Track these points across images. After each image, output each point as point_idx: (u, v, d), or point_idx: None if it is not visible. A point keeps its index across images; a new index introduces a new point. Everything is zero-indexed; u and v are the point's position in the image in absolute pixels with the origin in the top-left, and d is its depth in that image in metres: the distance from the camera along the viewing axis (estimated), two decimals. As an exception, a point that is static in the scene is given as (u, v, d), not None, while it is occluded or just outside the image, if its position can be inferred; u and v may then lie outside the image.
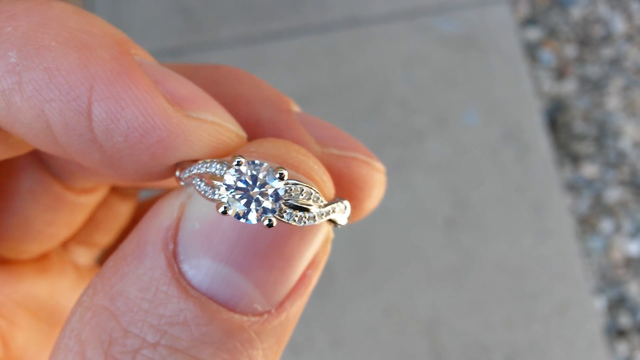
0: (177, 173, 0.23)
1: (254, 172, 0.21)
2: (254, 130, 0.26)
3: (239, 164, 0.21)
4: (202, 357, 0.21)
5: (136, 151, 0.22)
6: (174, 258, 0.22)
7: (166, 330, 0.21)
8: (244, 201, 0.21)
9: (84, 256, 0.37)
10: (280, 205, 0.21)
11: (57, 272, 0.34)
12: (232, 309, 0.22)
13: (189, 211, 0.23)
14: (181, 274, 0.22)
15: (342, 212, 0.24)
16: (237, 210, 0.21)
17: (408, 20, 1.31)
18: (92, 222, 0.36)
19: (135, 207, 0.38)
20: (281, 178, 0.21)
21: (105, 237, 0.37)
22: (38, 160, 0.30)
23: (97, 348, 0.21)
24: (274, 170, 0.21)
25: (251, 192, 0.21)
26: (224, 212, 0.21)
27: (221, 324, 0.22)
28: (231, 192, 0.21)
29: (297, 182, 0.22)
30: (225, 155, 0.24)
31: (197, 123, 0.22)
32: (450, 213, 1.17)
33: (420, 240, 1.16)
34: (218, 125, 0.23)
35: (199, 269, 0.22)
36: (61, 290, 0.34)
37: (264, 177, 0.21)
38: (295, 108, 0.28)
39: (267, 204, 0.21)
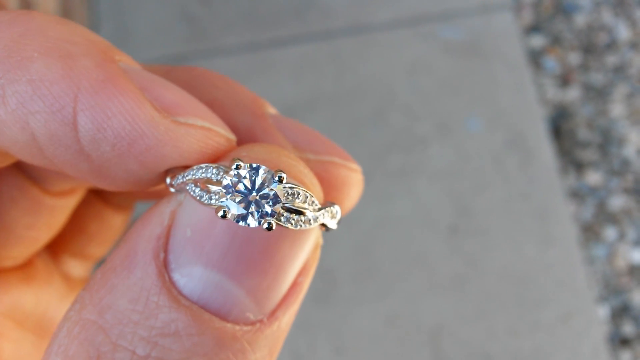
0: (168, 180, 0.23)
1: (253, 176, 0.21)
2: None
3: (237, 167, 0.21)
4: None
5: (124, 160, 0.21)
6: (164, 267, 0.22)
7: (157, 341, 0.21)
8: (243, 205, 0.21)
9: (78, 268, 0.36)
10: (278, 208, 0.21)
11: (43, 280, 0.33)
12: (224, 317, 0.22)
13: (180, 218, 0.22)
14: (172, 283, 0.22)
15: (333, 217, 0.24)
16: (237, 213, 0.21)
17: (412, 28, 1.31)
18: (85, 234, 0.36)
19: (129, 219, 0.38)
20: (280, 181, 0.21)
21: (99, 250, 0.37)
22: (15, 165, 0.30)
23: None
24: (273, 174, 0.21)
25: (250, 196, 0.21)
26: (224, 216, 0.21)
27: (213, 334, 0.21)
28: (230, 196, 0.21)
29: (294, 185, 0.22)
30: (215, 160, 0.23)
31: (185, 129, 0.22)
32: (454, 220, 1.17)
33: (424, 247, 1.16)
34: (207, 129, 0.23)
35: (191, 277, 0.22)
36: (48, 300, 0.33)
37: (263, 180, 0.21)
38: (271, 110, 0.28)
39: (267, 207, 0.21)
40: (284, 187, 0.22)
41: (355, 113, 1.24)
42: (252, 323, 0.22)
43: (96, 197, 0.36)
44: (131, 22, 1.32)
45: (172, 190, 0.23)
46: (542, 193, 1.19)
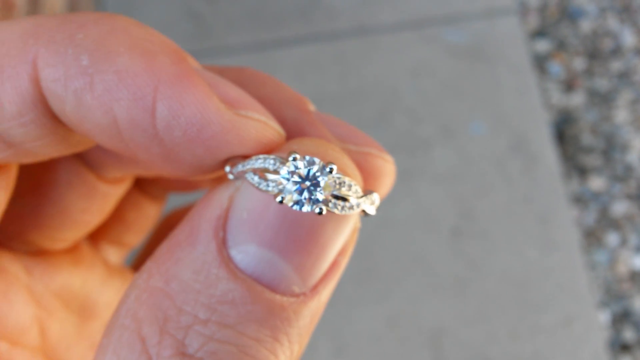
0: (227, 168, 0.26)
1: (309, 167, 0.24)
2: None
3: (294, 159, 0.24)
4: (247, 332, 0.24)
5: (193, 145, 0.24)
6: (223, 244, 0.25)
7: (216, 308, 0.24)
8: (298, 192, 0.24)
9: (115, 255, 0.40)
10: (328, 195, 0.25)
11: (88, 264, 0.36)
12: (274, 289, 0.25)
13: (237, 202, 0.25)
14: (230, 258, 0.25)
15: (372, 203, 0.27)
16: (294, 199, 0.24)
17: (416, 30, 1.31)
18: (123, 222, 0.39)
19: (162, 209, 0.42)
20: (330, 172, 0.24)
21: (135, 238, 0.40)
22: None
23: (153, 325, 0.24)
24: (324, 165, 0.24)
25: (302, 185, 0.24)
26: (281, 202, 0.24)
27: (264, 303, 0.24)
28: (287, 184, 0.24)
29: (340, 176, 0.25)
30: (269, 152, 0.26)
31: (246, 120, 0.25)
32: (456, 223, 1.17)
33: (425, 249, 1.16)
34: (264, 122, 0.26)
35: (246, 253, 0.25)
36: (91, 283, 0.36)
37: (316, 170, 0.24)
38: (312, 107, 0.31)
39: (319, 195, 0.24)
40: (333, 177, 0.25)
41: (359, 114, 1.24)
42: (297, 295, 0.25)
43: (135, 188, 0.39)
44: (137, 20, 1.32)
45: (231, 177, 0.26)
46: (545, 197, 1.19)
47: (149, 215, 0.40)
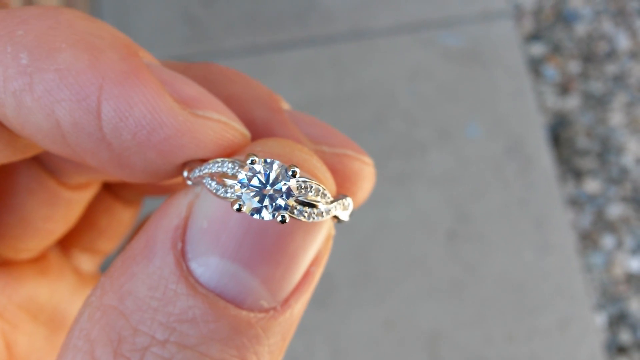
0: (185, 173, 0.24)
1: (267, 171, 0.22)
2: (249, 130, 0.27)
3: (252, 162, 0.22)
4: (211, 354, 0.22)
5: (144, 149, 0.22)
6: (182, 257, 0.23)
7: (175, 327, 0.22)
8: (257, 198, 0.22)
9: (88, 263, 0.37)
10: (292, 202, 0.22)
11: (56, 274, 0.34)
12: (239, 305, 0.23)
13: (197, 210, 0.23)
14: (189, 272, 0.22)
15: (345, 209, 0.25)
16: (252, 207, 0.22)
17: (413, 34, 1.32)
18: (96, 229, 0.37)
19: (138, 214, 0.39)
20: (293, 176, 0.22)
21: (108, 245, 0.38)
22: (33, 157, 0.31)
23: (107, 346, 0.21)
24: (286, 169, 0.22)
25: (264, 190, 0.22)
26: (239, 210, 0.22)
27: (229, 321, 0.22)
28: (245, 190, 0.22)
29: (307, 179, 0.23)
30: (230, 154, 0.24)
31: (202, 121, 0.23)
32: (452, 226, 1.17)
33: (422, 252, 1.16)
34: (224, 123, 0.24)
35: (207, 266, 0.22)
36: (60, 293, 0.34)
37: (277, 174, 0.22)
38: (285, 106, 0.29)
39: (280, 200, 0.22)
40: (297, 181, 0.22)
41: (355, 118, 1.24)
42: (266, 310, 0.23)
43: (107, 192, 0.37)
44: (133, 23, 1.32)
45: (189, 183, 0.24)
46: (540, 200, 1.19)
47: (122, 220, 0.38)
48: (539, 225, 1.18)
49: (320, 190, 0.23)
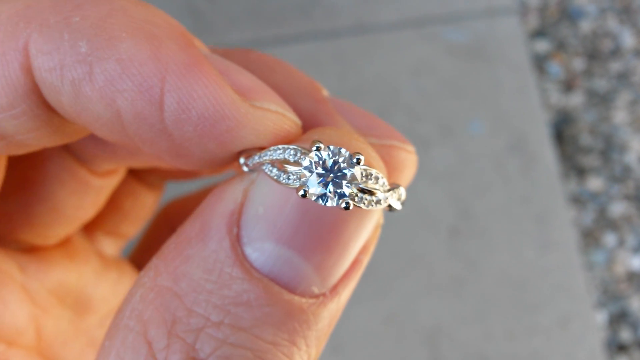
0: (242, 160, 0.24)
1: (334, 157, 0.22)
2: None
3: (318, 149, 0.22)
4: (264, 336, 0.22)
5: (205, 140, 0.22)
6: (237, 241, 0.23)
7: (230, 310, 0.22)
8: (322, 185, 0.22)
9: (111, 247, 0.38)
10: (354, 188, 0.22)
11: (82, 258, 0.34)
12: (292, 290, 0.23)
13: (253, 196, 0.23)
14: (244, 256, 0.23)
15: (398, 198, 0.25)
16: (318, 193, 0.22)
17: (417, 29, 1.31)
18: (120, 212, 0.37)
19: (160, 198, 0.39)
20: (358, 163, 0.22)
21: (131, 228, 0.38)
22: (63, 146, 0.31)
23: (161, 327, 0.22)
24: (351, 156, 0.22)
25: (327, 177, 0.22)
26: (304, 195, 0.22)
27: (282, 305, 0.23)
28: (311, 176, 0.22)
29: (368, 167, 0.23)
30: (287, 143, 0.24)
31: (262, 112, 0.23)
32: (454, 222, 1.17)
33: (423, 248, 1.16)
34: (281, 114, 0.24)
35: (262, 251, 0.23)
36: (86, 277, 0.34)
37: (343, 162, 0.22)
38: (326, 93, 0.29)
39: (345, 188, 0.22)
40: (361, 169, 0.22)
41: (358, 112, 1.24)
42: (316, 296, 0.24)
43: (131, 177, 0.37)
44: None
45: (246, 169, 0.24)
46: (543, 197, 1.19)
47: (145, 204, 0.38)
48: (541, 222, 1.17)
49: (379, 178, 0.23)
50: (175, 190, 0.40)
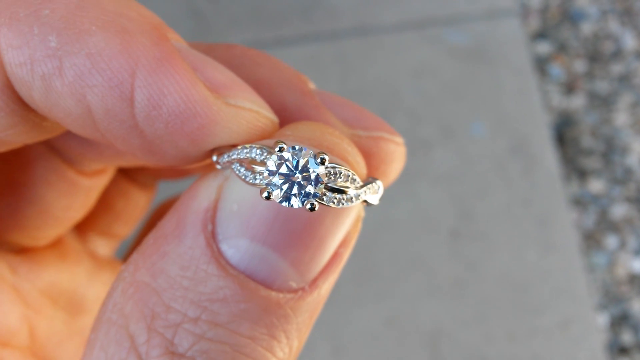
0: (215, 157, 0.24)
1: (296, 157, 0.22)
2: (279, 115, 0.26)
3: (280, 149, 0.22)
4: (241, 331, 0.22)
5: (176, 137, 0.22)
6: (212, 238, 0.23)
7: (206, 306, 0.22)
8: (286, 186, 0.22)
9: (104, 247, 0.37)
10: (321, 189, 0.22)
11: (74, 259, 0.34)
12: (269, 286, 0.23)
13: (227, 193, 0.23)
14: (220, 253, 0.23)
15: (375, 192, 0.24)
16: (281, 195, 0.22)
17: (418, 31, 1.31)
18: (112, 213, 0.37)
19: (153, 197, 0.39)
20: (322, 163, 0.22)
21: (124, 229, 0.38)
22: (50, 148, 0.30)
23: (141, 322, 0.22)
24: (315, 155, 0.22)
25: (293, 177, 0.22)
26: (268, 197, 0.21)
27: (259, 301, 0.22)
28: (274, 177, 0.22)
29: (336, 166, 0.22)
30: (260, 140, 0.24)
31: (235, 110, 0.23)
32: (455, 224, 1.17)
33: (424, 250, 1.16)
34: (255, 112, 0.23)
35: (238, 248, 0.23)
36: (78, 277, 0.34)
37: (306, 162, 0.22)
38: (312, 86, 0.28)
39: (310, 188, 0.22)
40: (326, 168, 0.22)
41: (359, 114, 1.24)
42: (295, 291, 0.24)
43: (123, 177, 0.37)
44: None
45: (218, 167, 0.24)
46: (544, 199, 1.19)
47: (138, 204, 0.37)
48: (543, 224, 1.17)
49: (349, 176, 0.23)
50: (168, 189, 0.40)
